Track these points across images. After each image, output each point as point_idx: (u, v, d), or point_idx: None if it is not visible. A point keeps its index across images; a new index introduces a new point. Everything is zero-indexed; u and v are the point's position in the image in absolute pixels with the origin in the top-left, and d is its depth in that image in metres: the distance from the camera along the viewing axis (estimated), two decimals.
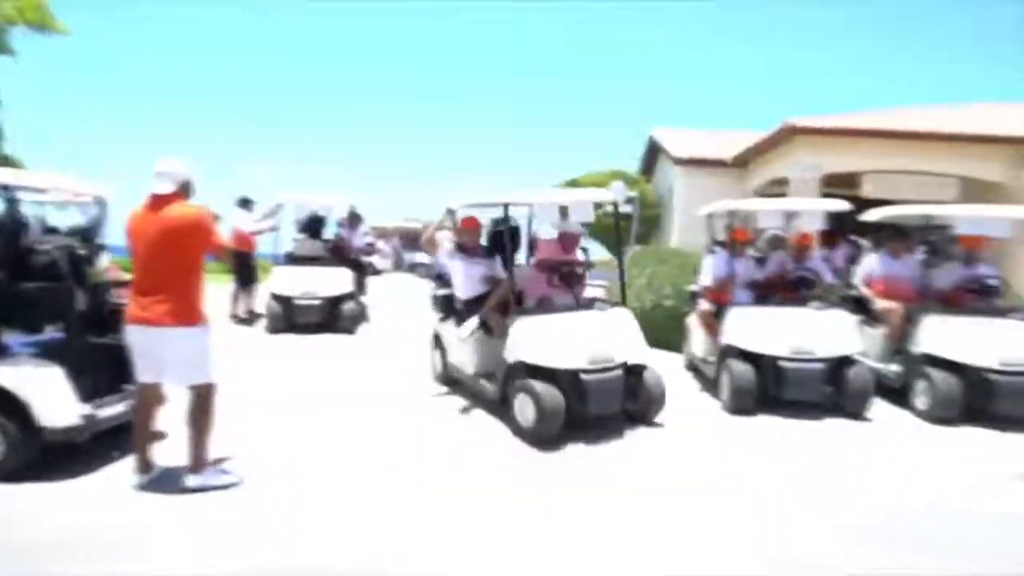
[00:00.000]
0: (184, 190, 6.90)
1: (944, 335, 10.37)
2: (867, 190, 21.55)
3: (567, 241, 10.66)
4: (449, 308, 11.15)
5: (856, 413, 10.13)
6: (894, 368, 11.01)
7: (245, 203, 17.36)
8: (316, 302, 16.04)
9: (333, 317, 16.08)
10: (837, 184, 20.53)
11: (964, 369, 10.09)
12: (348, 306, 16.24)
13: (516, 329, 9.19)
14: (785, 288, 11.47)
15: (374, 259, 32.44)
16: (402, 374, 12.08)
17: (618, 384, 9.01)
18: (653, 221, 32.12)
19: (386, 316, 18.32)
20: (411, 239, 41.51)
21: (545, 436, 8.61)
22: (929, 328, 10.50)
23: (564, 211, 10.91)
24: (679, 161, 27.98)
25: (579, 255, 10.74)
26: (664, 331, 14.51)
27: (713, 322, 11.36)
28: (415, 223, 43.52)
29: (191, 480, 6.96)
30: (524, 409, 8.80)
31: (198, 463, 7.01)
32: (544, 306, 9.76)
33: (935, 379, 10.05)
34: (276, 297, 16.09)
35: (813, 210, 11.86)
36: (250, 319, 16.99)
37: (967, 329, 10.32)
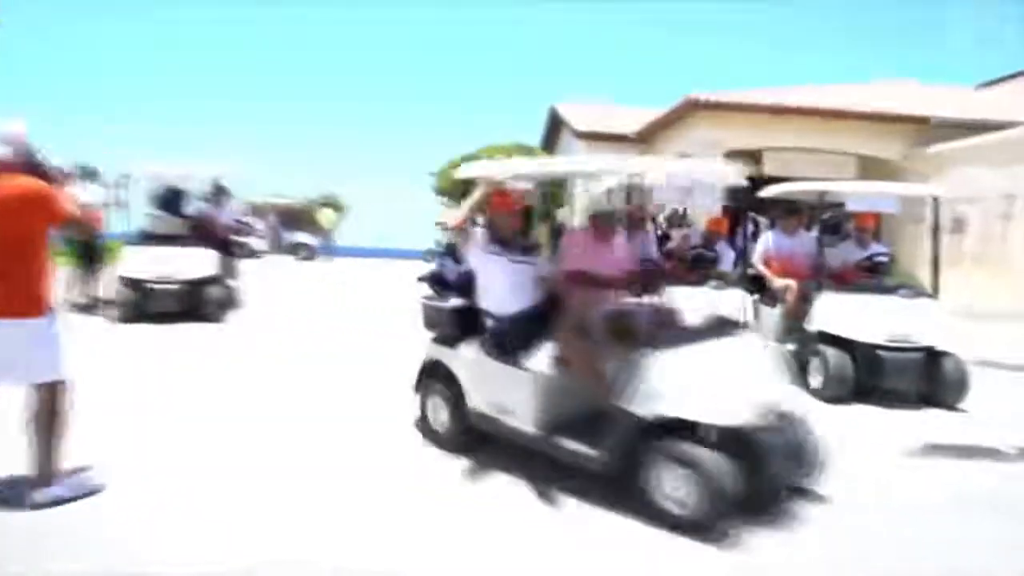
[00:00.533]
0: (27, 158, 5.89)
1: (836, 313, 10.36)
2: (767, 168, 21.56)
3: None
4: (466, 325, 7.48)
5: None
6: (790, 347, 10.84)
7: (86, 173, 15.06)
8: (174, 287, 14.19)
9: (195, 304, 14.29)
10: (739, 162, 20.40)
11: (855, 346, 10.11)
12: (213, 291, 14.44)
13: (656, 368, 6.04)
14: (683, 268, 11.14)
15: (248, 239, 29.58)
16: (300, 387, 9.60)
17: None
18: (556, 198, 31.48)
19: (267, 302, 16.85)
20: (290, 217, 38.66)
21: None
22: (822, 306, 10.47)
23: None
24: (582, 135, 27.47)
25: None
26: None
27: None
28: (291, 200, 40.37)
29: (42, 495, 5.94)
30: (676, 488, 5.90)
31: (49, 473, 6.01)
32: (678, 333, 6.63)
33: (828, 357, 10.05)
34: (127, 281, 14.12)
35: (706, 181, 11.58)
36: (94, 306, 14.73)
37: (857, 306, 10.34)
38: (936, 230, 10.86)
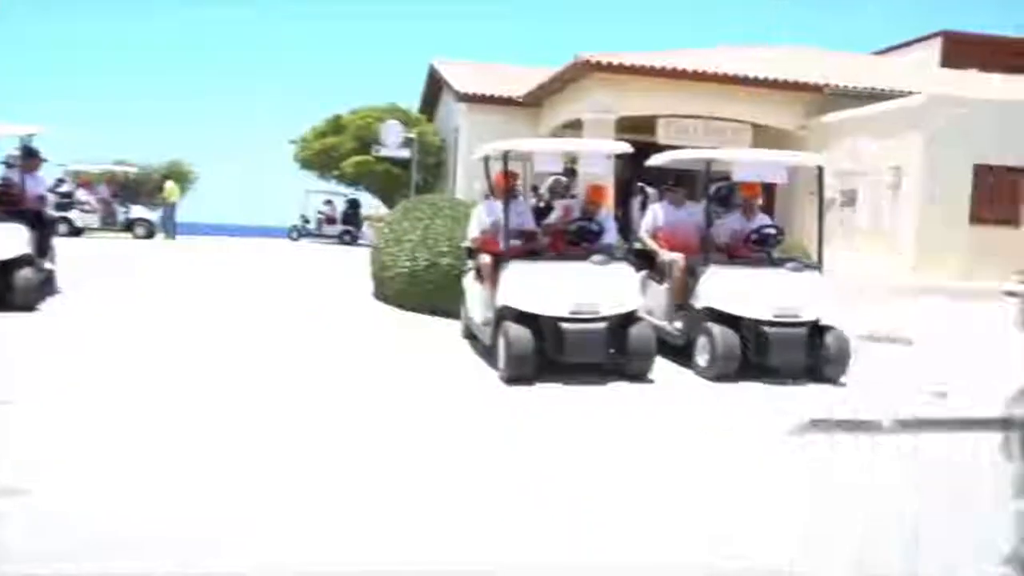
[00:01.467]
0: None
1: (722, 288, 10.04)
2: (661, 135, 21.18)
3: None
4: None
5: (639, 374, 9.61)
6: (678, 325, 10.53)
7: None
8: None
9: (2, 288, 12.09)
10: (633, 129, 19.83)
11: (741, 322, 9.87)
12: (23, 274, 12.14)
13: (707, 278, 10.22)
14: (566, 240, 10.45)
15: (72, 213, 26.87)
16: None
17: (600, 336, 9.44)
18: (436, 168, 30.15)
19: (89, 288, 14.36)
20: (129, 189, 31.80)
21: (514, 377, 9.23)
22: (708, 281, 10.13)
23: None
24: (464, 97, 25.91)
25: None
26: (443, 294, 12.79)
27: (495, 277, 10.04)
28: (128, 169, 32.88)
29: None
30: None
31: None
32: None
33: (714, 334, 9.72)
34: None
35: (592, 152, 11.16)
36: None
37: (744, 281, 10.08)
38: (820, 202, 10.61)
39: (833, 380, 9.79)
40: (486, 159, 11.74)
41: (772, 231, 10.82)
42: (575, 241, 10.29)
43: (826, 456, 6.95)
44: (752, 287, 9.99)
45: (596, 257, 9.80)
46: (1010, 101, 18.80)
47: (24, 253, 12.30)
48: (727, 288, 10.01)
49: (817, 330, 9.90)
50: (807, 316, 9.89)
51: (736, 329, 9.79)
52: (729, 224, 11.05)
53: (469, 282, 11.41)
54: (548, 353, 9.40)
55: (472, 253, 11.31)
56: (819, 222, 10.59)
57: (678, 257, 10.69)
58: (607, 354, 9.57)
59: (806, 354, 9.83)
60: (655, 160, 11.72)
